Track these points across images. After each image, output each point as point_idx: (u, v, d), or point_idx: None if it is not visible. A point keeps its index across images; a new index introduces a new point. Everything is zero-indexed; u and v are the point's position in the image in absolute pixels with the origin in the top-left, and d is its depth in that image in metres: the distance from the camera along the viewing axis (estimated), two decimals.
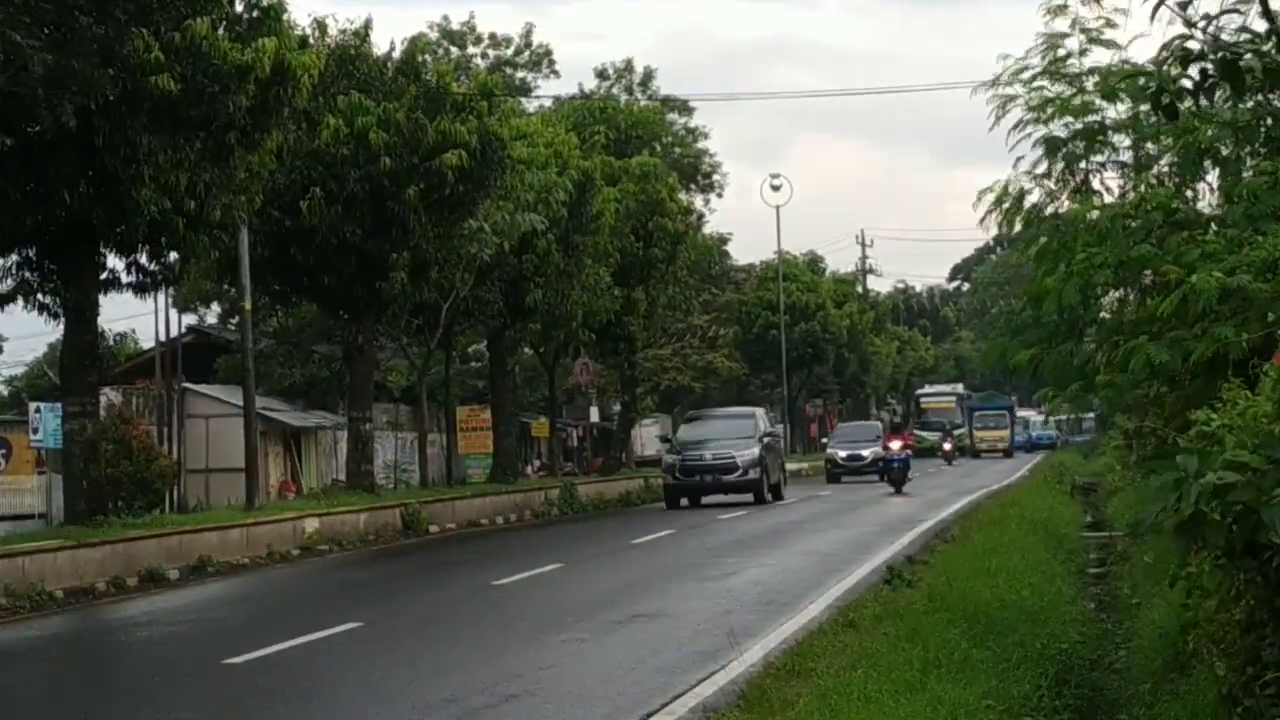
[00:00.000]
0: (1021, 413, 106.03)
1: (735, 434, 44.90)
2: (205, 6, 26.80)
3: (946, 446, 79.63)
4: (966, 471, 67.16)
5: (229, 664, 15.85)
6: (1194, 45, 6.79)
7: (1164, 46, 6.86)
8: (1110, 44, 13.13)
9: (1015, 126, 13.77)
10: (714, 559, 26.09)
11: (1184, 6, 6.49)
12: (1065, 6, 12.43)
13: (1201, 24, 6.58)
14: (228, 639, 18.00)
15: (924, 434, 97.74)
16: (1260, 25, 6.80)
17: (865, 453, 61.33)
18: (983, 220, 14.44)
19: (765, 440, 45.18)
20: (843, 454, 62.95)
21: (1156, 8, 6.45)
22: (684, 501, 44.10)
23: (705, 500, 44.37)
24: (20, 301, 28.96)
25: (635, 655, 15.61)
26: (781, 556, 26.28)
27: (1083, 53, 13.31)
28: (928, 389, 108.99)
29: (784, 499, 44.84)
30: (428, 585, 24.51)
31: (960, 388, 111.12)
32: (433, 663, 15.46)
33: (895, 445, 50.04)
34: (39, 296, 28.81)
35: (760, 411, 49.68)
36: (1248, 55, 6.72)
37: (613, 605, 19.78)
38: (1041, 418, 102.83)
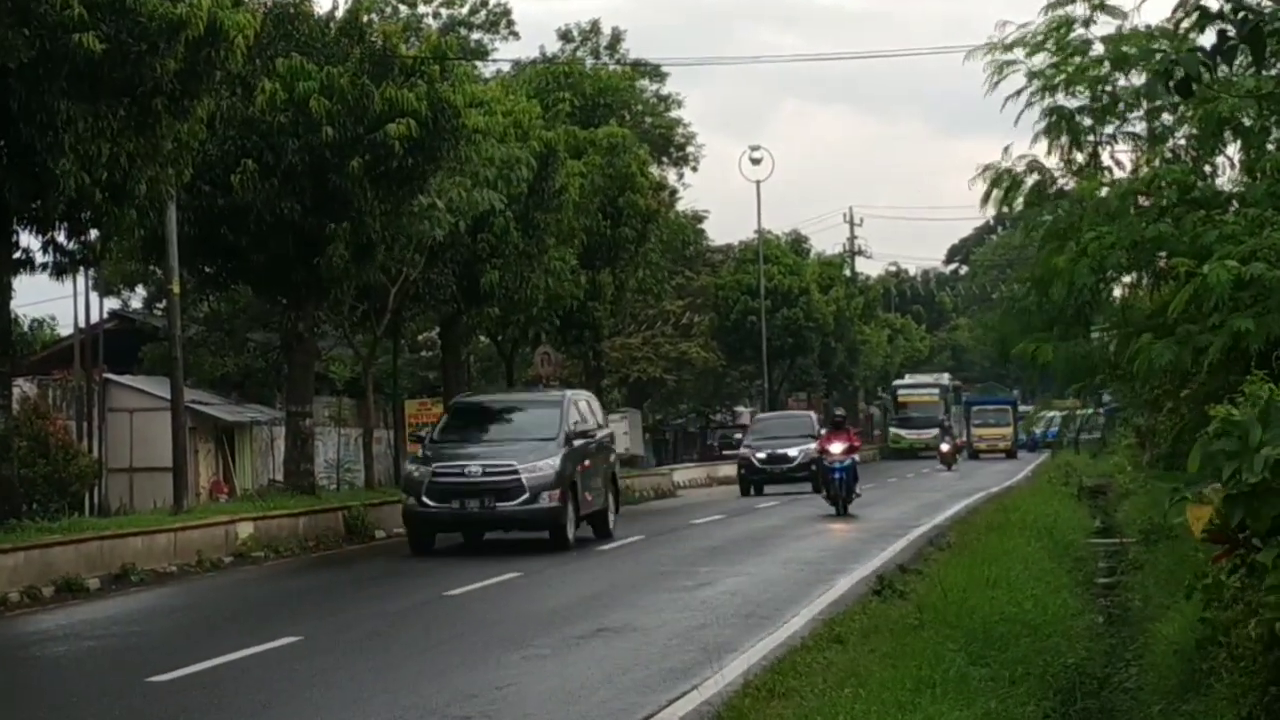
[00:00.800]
0: (1024, 408, 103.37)
1: (526, 433, 32.03)
2: None
3: (945, 448, 75.92)
4: (963, 473, 67.22)
5: (154, 682, 15.80)
6: (1212, 4, 6.80)
7: (1179, 4, 6.86)
8: (1116, 12, 13.16)
9: (1016, 94, 13.80)
10: (688, 567, 26.12)
11: None
12: None
13: None
14: (153, 655, 17.94)
15: (903, 432, 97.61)
16: None
17: (793, 452, 53.40)
18: (984, 201, 14.47)
19: (578, 445, 31.92)
20: (761, 455, 54.43)
21: None
22: (459, 540, 32.35)
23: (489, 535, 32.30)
24: None
25: (601, 673, 15.62)
26: (761, 565, 26.32)
27: (1088, 23, 13.33)
28: (907, 379, 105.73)
29: (614, 537, 33.07)
30: (373, 596, 24.46)
31: (946, 378, 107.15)
32: (378, 681, 15.44)
33: (836, 448, 38.79)
34: None
35: (576, 397, 34.64)
36: (1268, 11, 6.74)
37: (577, 618, 19.79)
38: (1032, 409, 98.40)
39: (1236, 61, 11.71)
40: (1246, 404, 8.51)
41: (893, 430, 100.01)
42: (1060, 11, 13.50)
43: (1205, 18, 6.86)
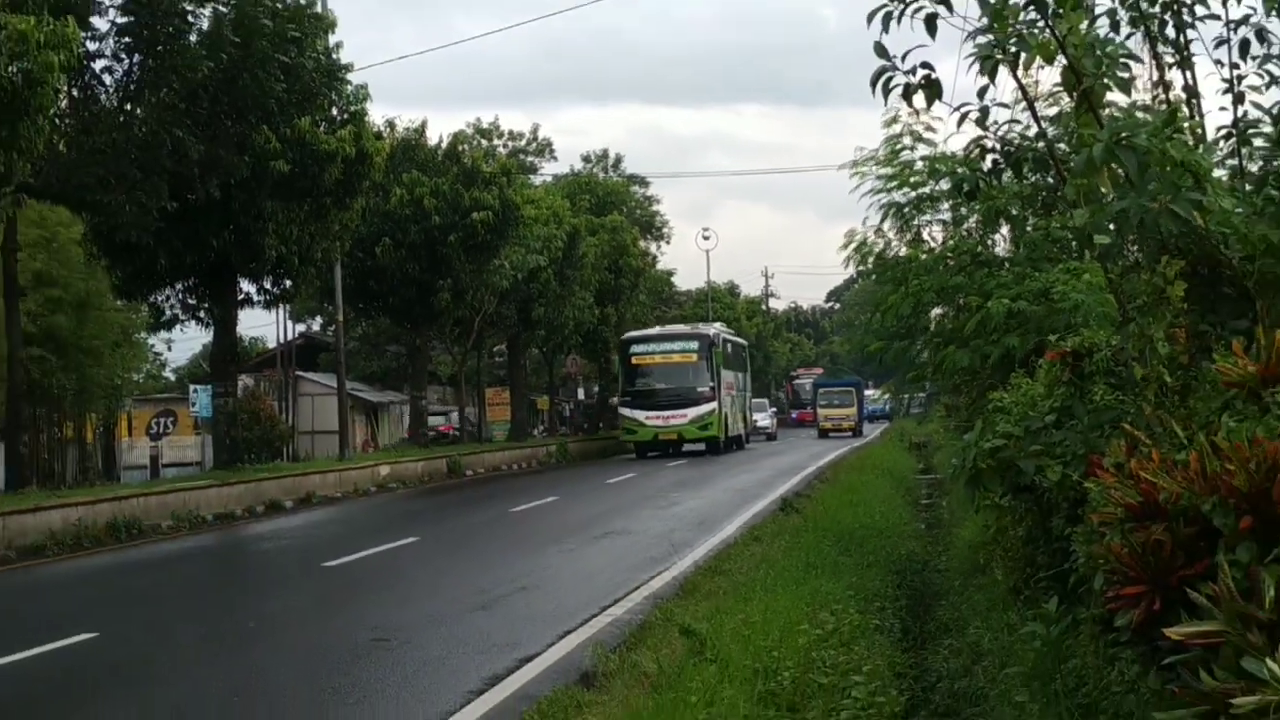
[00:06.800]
0: (870, 392, 79.28)
1: None
2: (309, 109, 26.74)
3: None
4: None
5: (327, 566, 15.83)
6: (989, 143, 6.86)
7: (970, 143, 6.92)
8: (930, 143, 13.17)
9: (869, 193, 13.79)
10: (663, 494, 26.10)
11: (981, 119, 6.56)
12: (897, 118, 12.43)
13: (994, 129, 6.67)
14: (326, 549, 17.94)
15: (639, 414, 42.09)
16: (1034, 130, 6.91)
17: None
18: (845, 261, 14.44)
19: None
20: None
21: (961, 120, 6.51)
22: None
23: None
24: (183, 318, 29.15)
25: (608, 560, 15.64)
26: (710, 492, 26.30)
27: (912, 148, 13.32)
28: (654, 330, 47.90)
29: None
30: (465, 512, 24.47)
31: (717, 328, 48.39)
32: (467, 565, 15.45)
33: None
34: (197, 314, 28.98)
35: None
36: (1023, 146, 6.82)
37: (593, 526, 19.80)
38: (877, 393, 70.62)
39: (1007, 176, 11.73)
40: (1013, 390, 8.54)
41: (624, 413, 42.93)
42: (898, 146, 13.45)
43: (984, 152, 6.91)
